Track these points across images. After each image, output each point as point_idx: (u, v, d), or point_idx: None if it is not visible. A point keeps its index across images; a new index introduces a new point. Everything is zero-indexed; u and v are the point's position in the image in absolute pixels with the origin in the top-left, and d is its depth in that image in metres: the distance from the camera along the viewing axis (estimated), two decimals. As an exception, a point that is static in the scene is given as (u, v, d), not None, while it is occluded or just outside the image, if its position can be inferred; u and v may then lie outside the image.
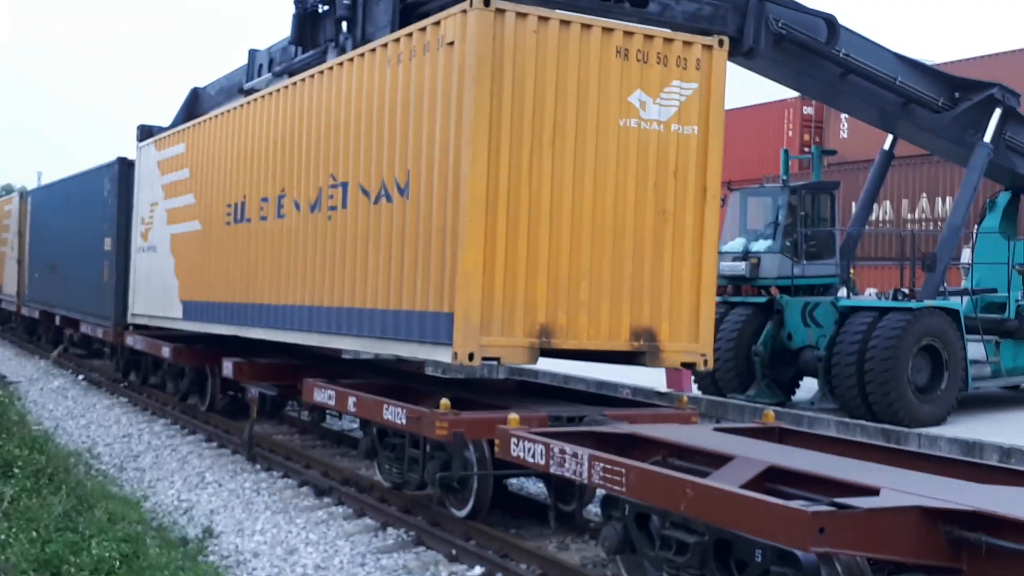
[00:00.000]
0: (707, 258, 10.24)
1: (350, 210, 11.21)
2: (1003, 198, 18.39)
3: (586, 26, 9.70)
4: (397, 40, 10.47)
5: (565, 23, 9.62)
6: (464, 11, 9.38)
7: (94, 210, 20.78)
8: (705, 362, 10.26)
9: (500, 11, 9.34)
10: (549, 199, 9.63)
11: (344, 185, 11.34)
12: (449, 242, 9.47)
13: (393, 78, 10.47)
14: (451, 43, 9.57)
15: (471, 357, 9.30)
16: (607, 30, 9.78)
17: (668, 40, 10.00)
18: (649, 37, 9.93)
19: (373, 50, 10.87)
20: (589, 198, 9.78)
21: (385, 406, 10.10)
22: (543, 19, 9.53)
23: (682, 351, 10.17)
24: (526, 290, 9.56)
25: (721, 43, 10.24)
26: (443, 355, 9.49)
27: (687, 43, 10.07)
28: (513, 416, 8.61)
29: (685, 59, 10.04)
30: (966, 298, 17.17)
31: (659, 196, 10.03)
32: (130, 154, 19.43)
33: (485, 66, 9.29)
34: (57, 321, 24.80)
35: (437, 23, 9.82)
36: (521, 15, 9.45)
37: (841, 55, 14.79)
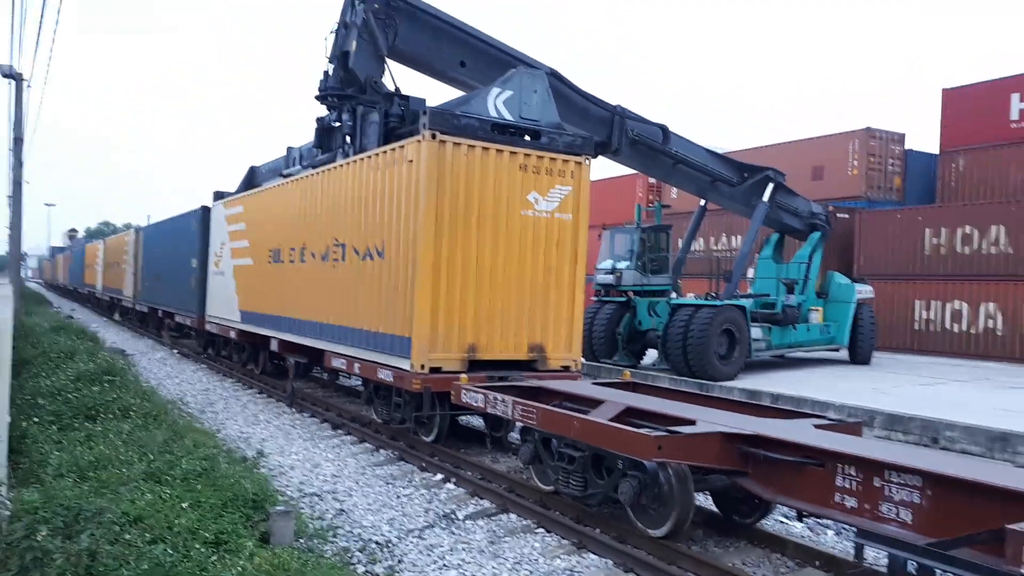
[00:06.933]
0: (577, 298, 10.16)
1: (347, 263, 10.99)
2: (774, 237, 18.61)
3: (499, 150, 9.58)
4: (378, 154, 10.26)
5: (486, 148, 9.49)
6: (419, 140, 9.24)
7: (185, 240, 20.25)
8: (575, 364, 10.19)
9: (442, 142, 9.20)
10: (475, 263, 9.52)
11: (343, 245, 11.12)
12: (409, 289, 9.35)
13: (375, 178, 10.27)
14: (411, 160, 9.40)
15: (423, 366, 9.23)
16: (513, 153, 9.66)
17: (552, 159, 9.87)
18: (540, 157, 9.81)
19: (364, 159, 10.65)
20: (501, 261, 9.68)
21: (379, 369, 9.92)
22: (471, 146, 9.40)
23: (561, 358, 10.11)
24: (459, 321, 9.47)
25: (587, 160, 10.10)
26: (404, 364, 9.39)
27: (565, 160, 9.94)
28: (464, 376, 8.70)
29: (563, 171, 9.93)
30: (751, 299, 17.35)
31: (547, 259, 9.95)
32: (210, 202, 18.97)
33: (432, 176, 9.16)
34: (160, 313, 24.24)
35: (403, 146, 9.63)
36: (456, 144, 9.31)
37: (672, 151, 14.83)
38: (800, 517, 6.56)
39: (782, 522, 7.51)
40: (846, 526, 6.91)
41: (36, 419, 8.61)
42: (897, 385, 14.82)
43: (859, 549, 4.82)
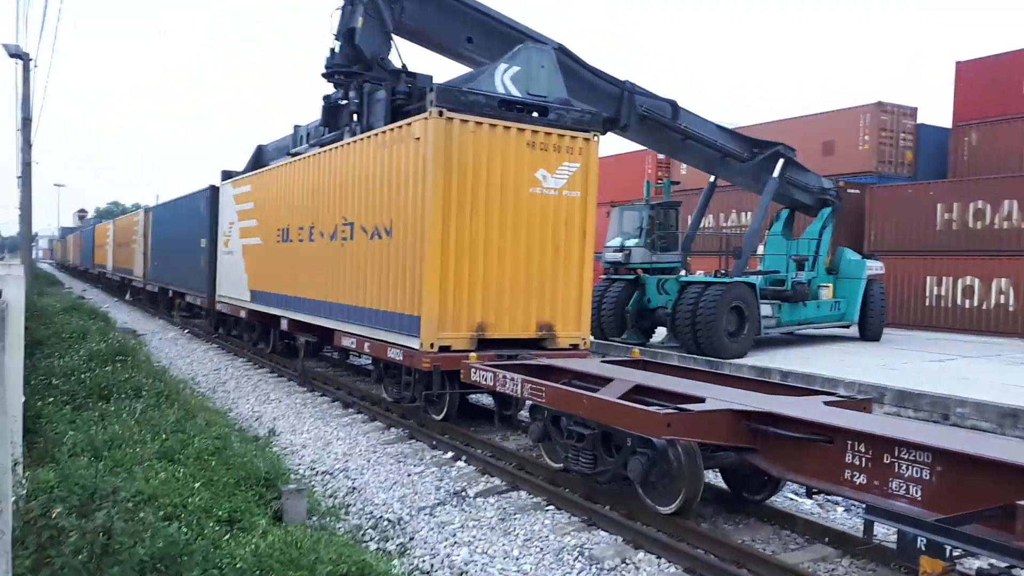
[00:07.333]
0: (586, 277, 10.10)
1: (355, 241, 10.96)
2: (784, 213, 18.47)
3: (507, 127, 9.48)
4: (385, 132, 10.18)
5: (492, 125, 9.40)
6: (426, 118, 9.16)
7: (194, 220, 20.14)
8: (584, 342, 10.17)
9: (449, 119, 9.12)
10: (483, 241, 9.47)
11: (351, 224, 11.08)
12: (418, 268, 9.32)
13: (383, 156, 10.20)
14: (418, 138, 9.33)
15: (432, 345, 9.22)
16: (520, 129, 9.56)
17: (561, 135, 9.76)
18: (548, 134, 9.71)
19: (370, 137, 10.57)
20: (510, 239, 9.62)
21: (389, 348, 9.89)
22: (478, 123, 9.31)
23: (570, 336, 10.07)
24: (468, 300, 9.44)
25: (596, 136, 10.00)
26: (414, 343, 9.38)
27: (573, 137, 9.83)
28: (473, 355, 8.68)
29: (572, 148, 9.82)
30: (760, 276, 17.26)
31: (555, 237, 9.87)
32: (218, 182, 18.82)
33: (440, 154, 9.09)
34: (170, 293, 24.14)
35: (410, 124, 9.55)
36: (464, 121, 9.22)
37: (682, 127, 14.68)
38: (810, 494, 6.58)
39: (792, 499, 7.53)
40: (856, 503, 6.92)
41: (50, 399, 8.69)
42: (907, 361, 14.77)
43: (868, 525, 4.82)
